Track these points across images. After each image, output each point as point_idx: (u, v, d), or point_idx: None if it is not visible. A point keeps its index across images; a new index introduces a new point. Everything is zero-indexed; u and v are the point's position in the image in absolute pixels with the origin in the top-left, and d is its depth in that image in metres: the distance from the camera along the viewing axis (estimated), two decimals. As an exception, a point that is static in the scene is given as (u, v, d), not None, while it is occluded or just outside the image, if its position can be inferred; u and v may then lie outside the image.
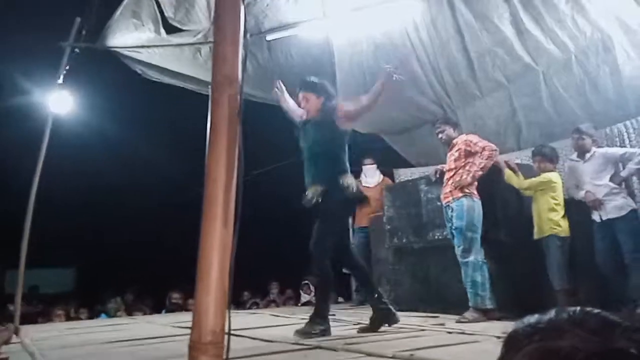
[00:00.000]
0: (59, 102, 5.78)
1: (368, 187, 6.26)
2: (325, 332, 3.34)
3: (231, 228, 1.47)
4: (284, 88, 3.98)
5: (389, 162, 7.28)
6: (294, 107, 3.86)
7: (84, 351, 3.30)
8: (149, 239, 10.22)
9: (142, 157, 9.25)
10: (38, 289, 9.72)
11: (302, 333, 3.29)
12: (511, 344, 0.57)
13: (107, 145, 9.17)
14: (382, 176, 6.39)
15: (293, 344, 3.12)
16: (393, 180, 6.69)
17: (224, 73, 1.50)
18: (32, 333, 4.27)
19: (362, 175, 6.41)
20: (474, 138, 4.34)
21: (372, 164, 6.35)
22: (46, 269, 10.70)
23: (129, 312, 7.30)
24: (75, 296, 9.36)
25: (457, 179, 4.24)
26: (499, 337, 3.11)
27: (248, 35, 1.61)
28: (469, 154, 4.25)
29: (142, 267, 9.83)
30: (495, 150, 4.25)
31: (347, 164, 3.56)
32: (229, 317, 1.40)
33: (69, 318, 6.74)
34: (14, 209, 6.27)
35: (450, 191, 4.29)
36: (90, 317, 6.95)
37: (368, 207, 6.08)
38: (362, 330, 3.58)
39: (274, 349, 2.94)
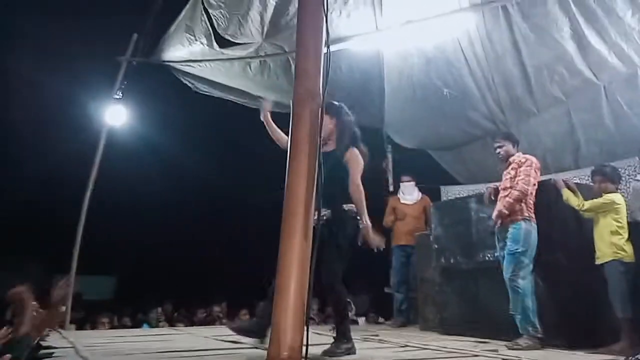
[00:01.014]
0: (114, 115, 5.99)
1: (406, 204, 6.14)
2: (350, 350, 3.35)
3: (310, 243, 1.41)
4: (268, 112, 3.68)
5: (434, 179, 7.12)
6: (279, 135, 3.63)
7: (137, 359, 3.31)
8: (191, 251, 10.36)
9: (189, 171, 9.45)
10: (82, 296, 9.96)
11: (329, 353, 3.28)
12: None
13: (155, 158, 9.41)
14: (420, 194, 6.21)
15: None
16: (434, 199, 6.49)
17: (306, 87, 1.47)
18: (82, 338, 4.36)
19: (400, 193, 6.29)
20: (524, 160, 4.12)
21: (410, 181, 6.20)
22: (88, 277, 10.98)
23: (171, 323, 7.37)
24: (116, 304, 9.56)
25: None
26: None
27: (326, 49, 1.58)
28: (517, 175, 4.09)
29: (183, 279, 9.96)
30: (522, 192, 3.99)
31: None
32: (307, 333, 1.33)
33: (112, 326, 6.86)
34: (62, 217, 6.50)
35: (508, 213, 4.09)
36: (133, 326, 7.05)
37: (406, 225, 6.02)
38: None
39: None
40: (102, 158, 6.05)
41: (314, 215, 1.40)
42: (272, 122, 3.66)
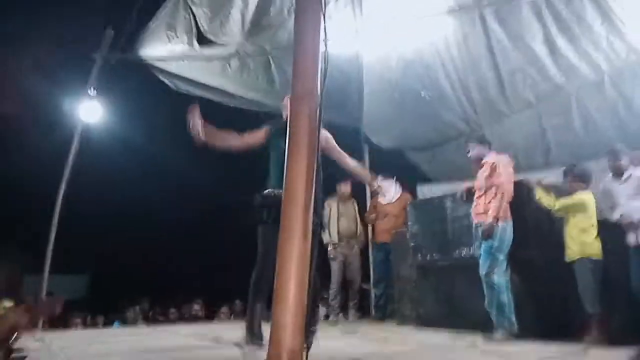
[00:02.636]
0: (89, 112, 5.88)
1: (386, 203, 6.22)
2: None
3: (309, 243, 1.45)
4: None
5: (408, 179, 7.23)
6: (227, 141, 3.49)
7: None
8: (167, 250, 10.22)
9: (164, 169, 9.31)
10: (53, 295, 9.71)
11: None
12: None
13: (131, 156, 9.24)
14: (400, 192, 6.30)
15: (328, 358, 3.07)
16: (414, 196, 6.61)
17: (304, 87, 1.49)
18: (56, 340, 4.26)
19: (380, 192, 6.35)
20: (501, 162, 4.25)
21: (389, 179, 6.28)
22: (61, 275, 10.71)
23: (148, 321, 7.27)
24: (89, 303, 9.36)
25: (487, 201, 4.21)
26: (537, 361, 3.05)
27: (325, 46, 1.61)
28: (493, 175, 4.22)
29: (158, 278, 9.81)
30: (509, 194, 4.16)
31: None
32: (307, 334, 1.36)
33: (85, 325, 6.73)
34: (33, 216, 6.34)
35: (484, 212, 4.23)
36: (106, 325, 6.93)
37: (385, 224, 6.11)
38: None
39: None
40: (77, 155, 5.93)
41: (313, 216, 1.43)
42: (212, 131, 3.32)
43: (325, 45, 1.51)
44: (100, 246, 10.48)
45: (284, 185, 1.51)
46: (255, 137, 3.52)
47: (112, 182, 9.47)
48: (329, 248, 6.08)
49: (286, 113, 3.50)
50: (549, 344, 3.68)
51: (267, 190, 3.43)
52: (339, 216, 6.16)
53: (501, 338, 3.93)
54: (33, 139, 7.92)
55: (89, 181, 7.68)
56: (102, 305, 8.47)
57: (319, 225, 3.36)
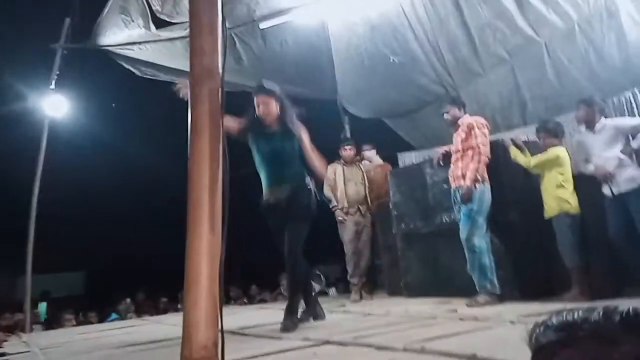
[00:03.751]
0: (53, 105, 5.71)
1: (369, 171, 6.13)
2: (299, 320, 3.65)
3: (219, 233, 1.36)
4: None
5: (391, 147, 7.14)
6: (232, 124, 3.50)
7: (94, 357, 3.24)
8: (155, 241, 10.20)
9: (145, 159, 9.16)
10: (49, 294, 9.76)
11: (285, 328, 3.47)
12: (542, 353, 0.46)
13: (101, 149, 9.08)
14: (381, 161, 6.20)
15: (302, 339, 3.04)
16: (395, 165, 6.53)
17: (203, 65, 1.38)
18: (41, 340, 4.25)
19: (364, 162, 6.28)
20: (477, 124, 4.17)
21: (371, 150, 6.19)
22: (56, 274, 10.76)
23: (139, 314, 7.29)
24: (85, 299, 9.40)
25: (465, 165, 4.14)
26: (512, 322, 3.03)
27: (227, 24, 1.49)
28: (469, 138, 4.15)
29: (150, 269, 9.82)
30: (486, 155, 4.12)
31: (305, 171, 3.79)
32: (222, 330, 1.29)
33: (79, 322, 6.74)
34: (21, 217, 6.25)
35: (462, 176, 4.16)
36: (101, 320, 6.94)
37: (370, 193, 6.03)
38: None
39: (283, 346, 2.87)
40: (49, 151, 5.80)
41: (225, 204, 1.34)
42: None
43: (224, 18, 1.38)
44: (92, 243, 10.47)
45: (188, 173, 1.41)
46: (229, 123, 3.32)
47: (85, 178, 9.33)
48: (338, 212, 5.51)
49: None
50: (531, 304, 3.67)
51: (263, 200, 3.67)
52: (345, 180, 5.66)
53: (484, 301, 3.91)
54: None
55: (61, 178, 7.55)
56: (97, 300, 8.49)
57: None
